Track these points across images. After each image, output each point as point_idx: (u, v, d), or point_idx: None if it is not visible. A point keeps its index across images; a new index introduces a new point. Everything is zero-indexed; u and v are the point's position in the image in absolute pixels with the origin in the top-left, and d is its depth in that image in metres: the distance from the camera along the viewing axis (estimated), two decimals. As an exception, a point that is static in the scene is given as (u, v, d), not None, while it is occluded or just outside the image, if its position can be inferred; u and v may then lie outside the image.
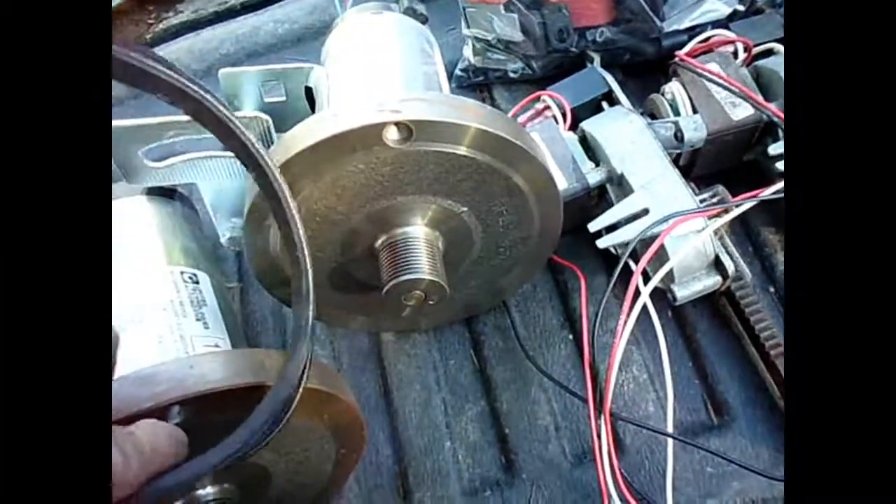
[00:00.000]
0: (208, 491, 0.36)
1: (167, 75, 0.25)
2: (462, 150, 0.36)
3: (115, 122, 0.38)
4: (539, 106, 0.52)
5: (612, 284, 0.42)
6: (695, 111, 0.47)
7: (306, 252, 0.31)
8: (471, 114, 0.36)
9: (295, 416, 0.35)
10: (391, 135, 0.34)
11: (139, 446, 0.25)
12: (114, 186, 0.49)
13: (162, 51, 0.72)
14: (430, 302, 0.40)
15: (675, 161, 0.48)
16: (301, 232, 0.31)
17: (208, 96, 0.27)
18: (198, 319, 0.41)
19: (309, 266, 0.31)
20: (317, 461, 0.40)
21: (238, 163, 0.40)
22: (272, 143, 0.40)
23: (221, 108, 0.28)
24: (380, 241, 0.40)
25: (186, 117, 0.38)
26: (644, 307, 0.42)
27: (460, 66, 0.60)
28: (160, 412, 0.30)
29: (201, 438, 0.32)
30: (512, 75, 0.58)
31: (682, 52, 0.50)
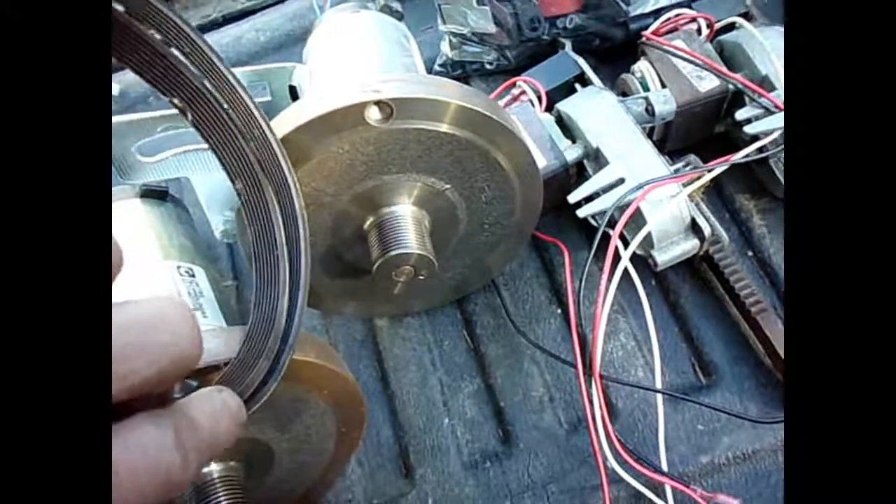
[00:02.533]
0: (213, 468, 0.36)
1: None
2: (443, 128, 0.38)
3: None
4: (515, 91, 0.54)
5: (592, 251, 0.44)
6: (664, 86, 0.50)
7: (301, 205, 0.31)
8: (449, 91, 0.37)
9: (296, 389, 0.36)
10: (373, 114, 0.36)
11: (201, 440, 0.21)
12: (107, 191, 0.51)
13: (147, 66, 0.73)
14: (420, 276, 0.41)
15: (649, 136, 0.50)
16: (293, 176, 0.31)
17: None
18: (196, 309, 0.42)
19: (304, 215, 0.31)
20: (318, 439, 0.41)
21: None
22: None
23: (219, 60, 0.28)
24: (368, 223, 0.42)
25: (173, 111, 0.40)
26: (627, 273, 0.44)
27: (438, 61, 0.62)
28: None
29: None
30: (488, 66, 0.60)
31: (648, 32, 0.52)
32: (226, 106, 0.29)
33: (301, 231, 0.31)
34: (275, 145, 0.31)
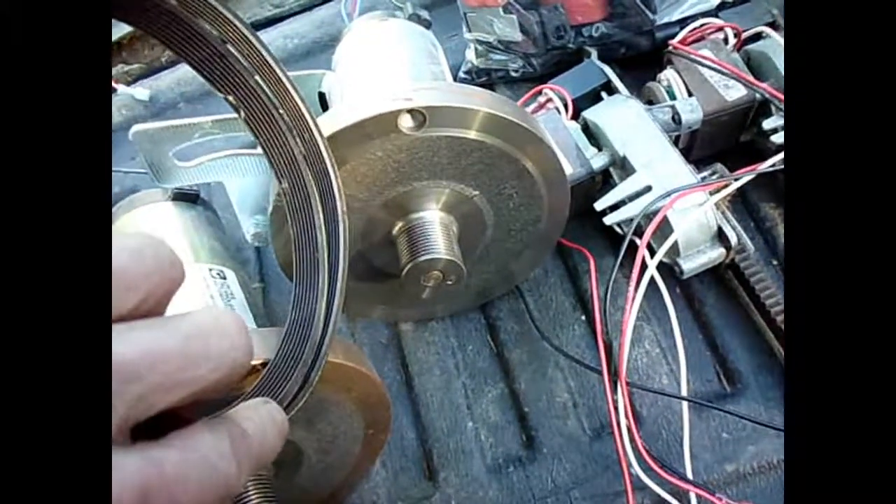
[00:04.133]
0: (245, 469, 0.37)
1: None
2: (472, 135, 0.38)
3: (147, 125, 0.40)
4: (541, 99, 0.55)
5: (618, 260, 0.44)
6: (690, 95, 0.50)
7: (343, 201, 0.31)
8: (479, 99, 0.38)
9: (325, 390, 0.37)
10: (405, 122, 0.37)
11: (251, 450, 0.21)
12: (140, 194, 0.52)
13: (177, 72, 0.75)
14: (448, 282, 0.42)
15: (675, 144, 0.50)
16: (337, 178, 0.31)
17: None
18: (227, 310, 0.43)
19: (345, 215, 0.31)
20: (345, 440, 0.42)
21: (261, 160, 0.44)
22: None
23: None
24: (397, 228, 0.42)
25: (212, 117, 0.42)
26: (652, 281, 0.44)
27: (464, 68, 0.63)
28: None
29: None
30: (514, 74, 0.61)
31: (675, 41, 0.52)
32: (278, 105, 0.29)
33: (342, 235, 0.31)
34: (323, 147, 0.31)
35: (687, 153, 0.51)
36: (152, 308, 0.19)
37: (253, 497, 0.36)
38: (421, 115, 0.37)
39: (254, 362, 0.33)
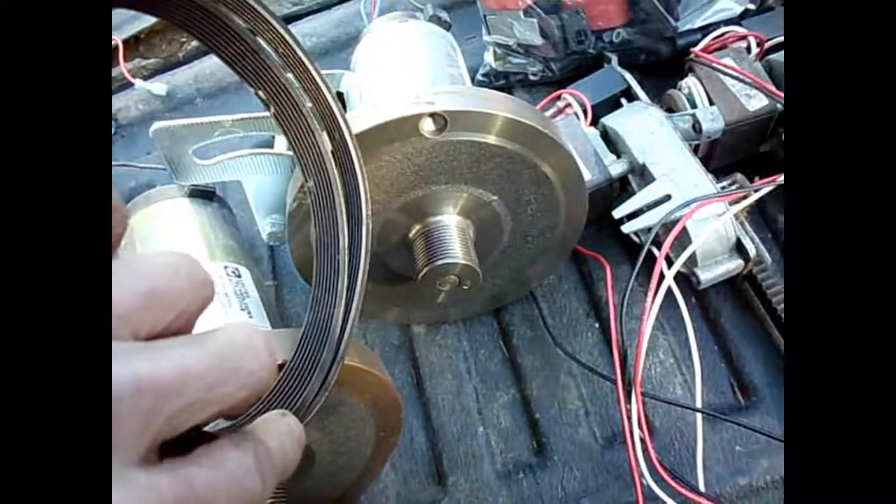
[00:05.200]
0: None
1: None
2: (492, 139, 0.38)
3: (168, 122, 0.40)
4: (560, 104, 0.54)
5: (637, 268, 0.44)
6: (711, 103, 0.49)
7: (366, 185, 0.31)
8: (499, 104, 0.38)
9: (339, 393, 0.37)
10: (427, 126, 0.37)
11: (275, 466, 0.21)
12: (156, 190, 0.52)
13: (194, 68, 0.75)
14: (464, 287, 0.41)
15: (694, 152, 0.49)
16: (365, 180, 0.30)
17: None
18: (242, 309, 0.43)
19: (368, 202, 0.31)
20: (357, 442, 0.42)
21: (279, 159, 0.44)
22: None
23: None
24: (414, 231, 0.42)
25: (233, 116, 0.42)
26: (669, 291, 0.44)
27: (482, 70, 0.63)
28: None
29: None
30: (532, 78, 0.61)
31: (696, 49, 0.52)
32: (308, 104, 0.29)
33: (364, 238, 0.31)
34: (352, 147, 0.31)
35: (706, 162, 0.51)
36: (183, 325, 0.19)
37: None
38: (442, 119, 0.36)
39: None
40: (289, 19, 0.78)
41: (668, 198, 0.45)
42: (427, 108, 0.36)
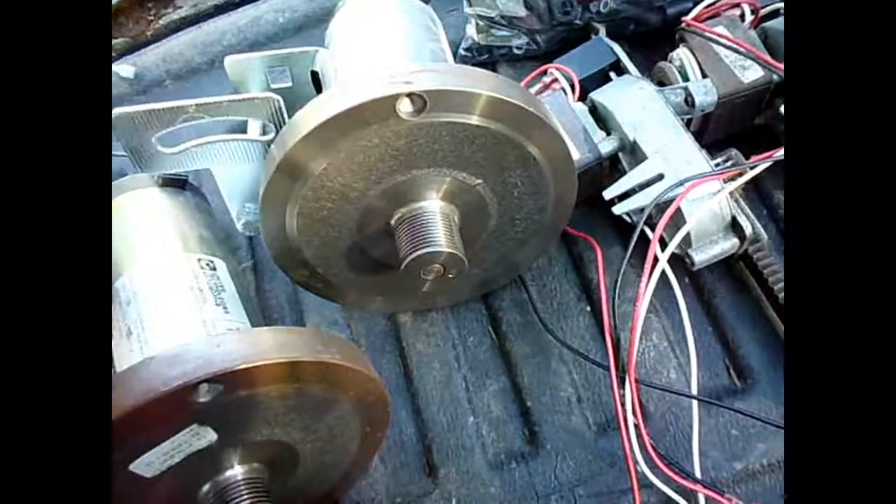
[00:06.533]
0: (237, 471, 0.36)
1: None
2: (475, 120, 0.36)
3: (126, 108, 0.38)
4: (547, 79, 0.52)
5: (629, 251, 0.42)
6: (704, 76, 0.47)
7: None
8: (482, 82, 0.35)
9: (322, 392, 0.35)
10: (404, 107, 0.34)
11: None
12: (126, 179, 0.49)
13: (164, 45, 0.72)
14: (450, 275, 0.40)
15: (686, 127, 0.47)
16: None
17: None
18: (217, 304, 0.41)
19: None
20: (343, 440, 0.40)
21: (250, 145, 0.41)
22: (284, 123, 0.40)
23: None
24: (395, 218, 0.40)
25: (197, 100, 0.39)
26: (662, 273, 0.42)
27: (464, 45, 0.60)
28: (189, 390, 0.30)
29: (225, 417, 0.32)
30: (517, 52, 0.58)
31: (688, 18, 0.50)
32: None
33: None
34: None
35: (699, 136, 0.49)
36: None
37: (245, 495, 0.35)
38: (421, 100, 0.34)
39: (246, 365, 0.31)
40: (261, -6, 0.74)
41: (660, 177, 0.43)
42: (404, 88, 0.34)
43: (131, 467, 0.31)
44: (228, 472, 0.35)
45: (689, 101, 0.47)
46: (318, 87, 0.48)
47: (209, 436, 0.32)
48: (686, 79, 0.48)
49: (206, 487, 0.35)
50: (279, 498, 0.36)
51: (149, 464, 0.31)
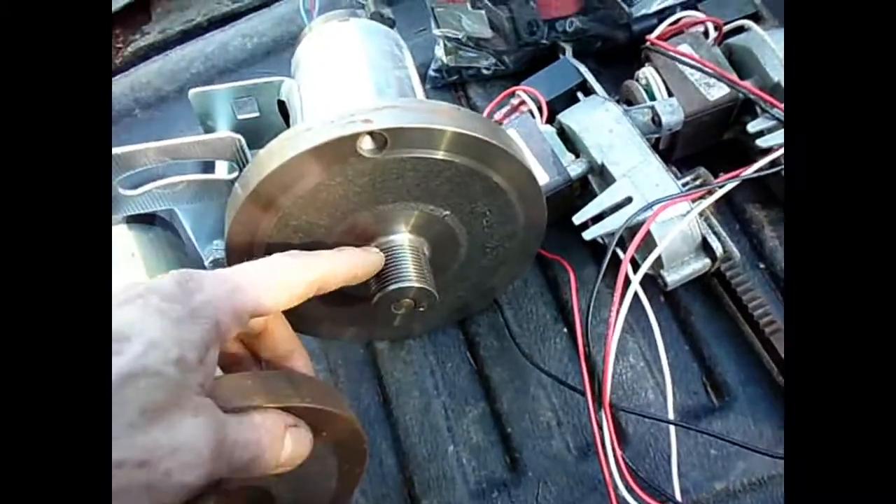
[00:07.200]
0: (211, 518, 0.35)
1: None
2: (439, 155, 0.36)
3: (84, 154, 0.37)
4: (514, 101, 0.52)
5: (600, 275, 0.42)
6: (670, 94, 0.47)
7: None
8: (445, 117, 0.35)
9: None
10: (366, 144, 0.34)
11: None
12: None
13: (132, 74, 0.71)
14: (420, 309, 0.39)
15: (655, 145, 0.47)
16: None
17: None
18: (188, 345, 0.41)
19: None
20: (318, 479, 0.40)
21: (216, 183, 0.40)
22: (246, 162, 0.39)
23: None
24: (364, 252, 0.40)
25: (156, 144, 0.38)
26: (636, 295, 0.42)
27: (433, 66, 0.60)
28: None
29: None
30: (485, 72, 0.58)
31: (652, 36, 0.50)
32: None
33: None
34: None
35: (668, 154, 0.49)
36: None
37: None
38: (382, 138, 0.34)
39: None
40: (228, 18, 0.73)
41: (629, 200, 0.43)
42: (364, 127, 0.33)
43: None
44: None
45: (656, 120, 0.47)
46: (286, 116, 0.48)
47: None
48: (653, 98, 0.48)
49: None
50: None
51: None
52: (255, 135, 0.42)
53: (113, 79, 0.72)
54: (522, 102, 0.51)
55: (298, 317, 0.45)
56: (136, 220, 0.49)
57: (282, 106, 0.48)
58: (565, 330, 0.50)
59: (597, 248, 0.49)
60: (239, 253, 0.38)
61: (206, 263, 0.44)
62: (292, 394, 0.34)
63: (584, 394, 0.41)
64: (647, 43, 0.50)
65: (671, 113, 0.46)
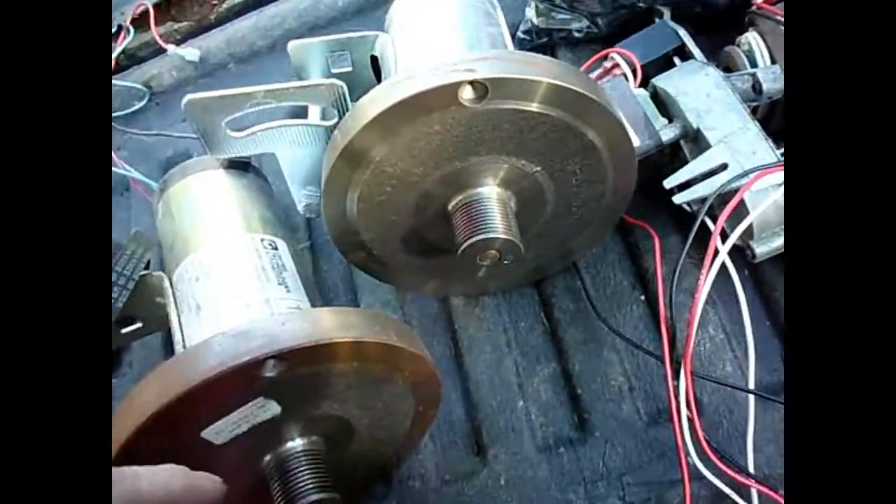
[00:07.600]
0: (297, 443, 0.37)
1: None
2: (535, 107, 0.36)
3: (199, 94, 0.39)
4: (608, 64, 0.51)
5: (689, 240, 0.41)
6: (773, 61, 0.45)
7: None
8: (543, 69, 0.35)
9: (379, 371, 0.37)
10: (466, 94, 0.35)
11: None
12: (192, 161, 0.51)
13: (227, 29, 0.74)
14: (505, 261, 0.40)
15: (753, 115, 0.46)
16: None
17: None
18: (280, 283, 0.43)
19: None
20: (396, 417, 0.42)
21: (313, 130, 0.42)
22: (347, 109, 0.41)
23: None
24: (453, 203, 0.41)
25: (265, 87, 0.40)
26: (723, 265, 0.41)
27: (522, 27, 0.60)
28: (257, 366, 0.31)
29: (288, 391, 0.34)
30: (577, 35, 0.57)
31: (759, 0, 0.48)
32: None
33: None
34: None
35: (766, 124, 0.47)
36: None
37: (305, 469, 0.37)
38: (483, 87, 0.34)
39: (306, 343, 0.32)
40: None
41: (724, 167, 0.42)
42: (466, 76, 0.34)
43: (203, 434, 0.33)
44: (289, 444, 0.37)
45: (756, 87, 0.45)
46: (378, 72, 0.49)
47: (273, 408, 0.34)
48: (754, 64, 0.46)
49: (268, 458, 0.37)
50: (334, 470, 0.38)
51: (218, 432, 0.33)
52: (348, 89, 0.44)
53: (209, 33, 0.75)
54: (616, 65, 0.50)
55: (382, 265, 0.47)
56: (232, 165, 0.51)
57: (374, 62, 0.49)
58: (643, 297, 0.49)
59: (681, 216, 0.48)
60: (334, 198, 0.40)
61: (300, 208, 0.47)
62: (382, 331, 0.35)
63: (661, 359, 0.41)
64: (753, 7, 0.48)
65: (773, 80, 0.44)
